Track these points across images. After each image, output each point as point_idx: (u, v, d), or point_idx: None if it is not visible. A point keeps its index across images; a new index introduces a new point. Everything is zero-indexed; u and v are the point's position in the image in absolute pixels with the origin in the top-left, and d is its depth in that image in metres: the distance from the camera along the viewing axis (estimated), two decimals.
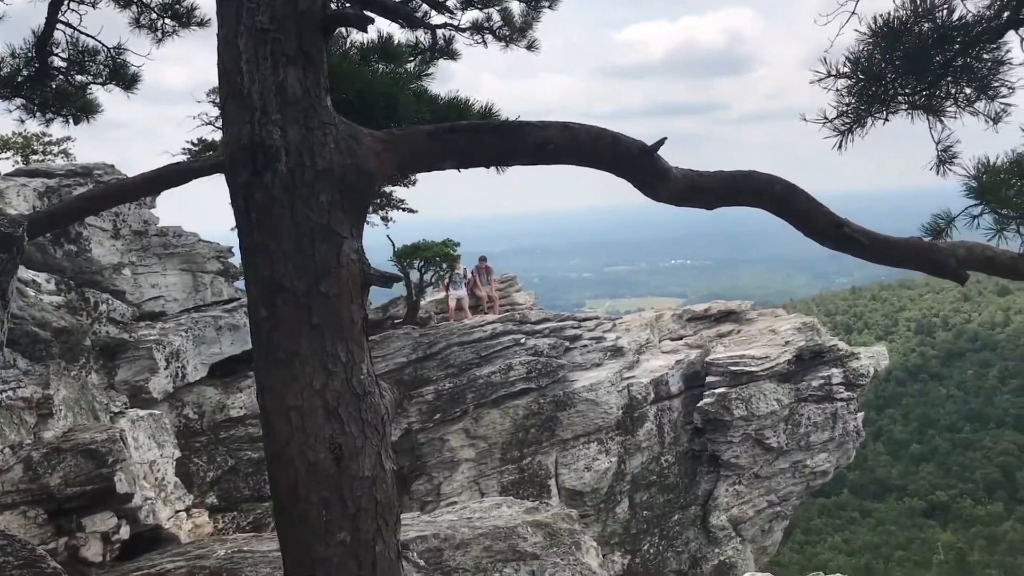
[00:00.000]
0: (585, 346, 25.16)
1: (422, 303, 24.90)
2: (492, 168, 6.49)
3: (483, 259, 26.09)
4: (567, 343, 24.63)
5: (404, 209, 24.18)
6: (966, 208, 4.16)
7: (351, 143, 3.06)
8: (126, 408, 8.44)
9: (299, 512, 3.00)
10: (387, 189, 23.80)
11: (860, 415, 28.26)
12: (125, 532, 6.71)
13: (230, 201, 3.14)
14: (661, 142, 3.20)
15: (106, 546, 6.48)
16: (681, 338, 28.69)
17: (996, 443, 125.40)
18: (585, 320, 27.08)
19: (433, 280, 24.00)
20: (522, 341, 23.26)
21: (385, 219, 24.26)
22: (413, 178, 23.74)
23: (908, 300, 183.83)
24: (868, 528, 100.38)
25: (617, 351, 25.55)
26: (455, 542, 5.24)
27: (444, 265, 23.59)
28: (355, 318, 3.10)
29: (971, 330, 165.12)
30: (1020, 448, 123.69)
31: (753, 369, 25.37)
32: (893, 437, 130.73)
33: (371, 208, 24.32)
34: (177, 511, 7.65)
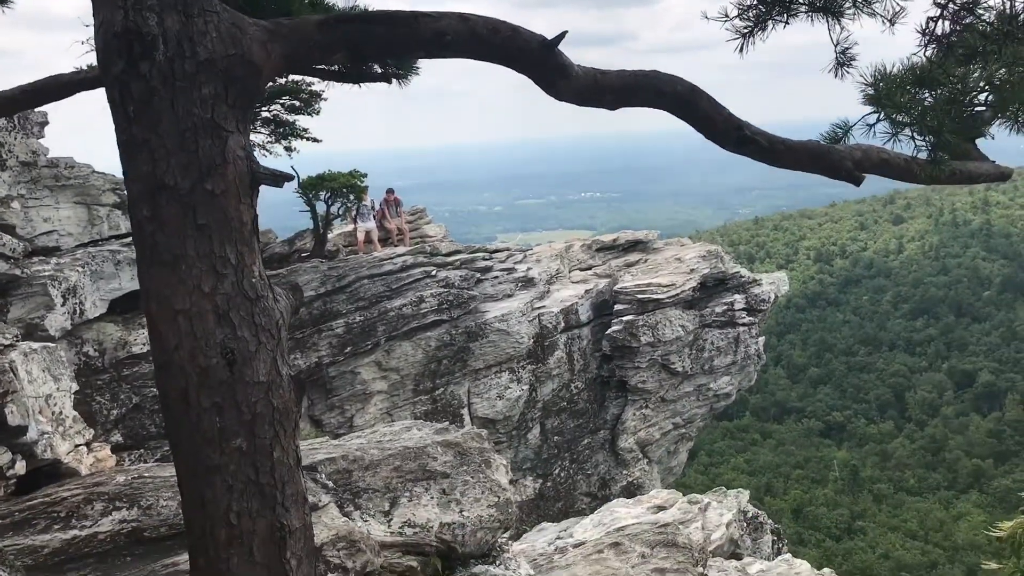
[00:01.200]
0: (496, 277, 25.16)
1: (330, 236, 24.44)
2: (396, 86, 6.25)
3: (391, 191, 25.69)
4: (478, 275, 24.58)
5: (308, 138, 23.51)
6: (863, 116, 4.21)
7: (235, 32, 2.88)
8: (17, 341, 8.03)
9: (191, 419, 2.88)
10: (290, 118, 23.10)
11: (761, 339, 29.21)
12: (21, 467, 6.45)
13: (106, 95, 2.94)
14: (562, 36, 3.11)
15: (1, 481, 6.22)
16: (590, 268, 28.98)
17: (888, 365, 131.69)
18: (496, 251, 27.04)
19: (340, 212, 23.53)
20: (433, 273, 23.11)
21: (289, 149, 23.55)
22: (317, 106, 23.08)
23: (808, 230, 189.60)
24: (769, 449, 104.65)
25: (528, 282, 25.64)
26: (364, 463, 5.19)
27: (351, 196, 23.13)
28: (244, 218, 2.95)
29: (867, 258, 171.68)
30: (910, 370, 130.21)
31: (659, 297, 25.84)
32: (792, 361, 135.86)
33: (274, 138, 23.61)
34: (77, 445, 7.38)
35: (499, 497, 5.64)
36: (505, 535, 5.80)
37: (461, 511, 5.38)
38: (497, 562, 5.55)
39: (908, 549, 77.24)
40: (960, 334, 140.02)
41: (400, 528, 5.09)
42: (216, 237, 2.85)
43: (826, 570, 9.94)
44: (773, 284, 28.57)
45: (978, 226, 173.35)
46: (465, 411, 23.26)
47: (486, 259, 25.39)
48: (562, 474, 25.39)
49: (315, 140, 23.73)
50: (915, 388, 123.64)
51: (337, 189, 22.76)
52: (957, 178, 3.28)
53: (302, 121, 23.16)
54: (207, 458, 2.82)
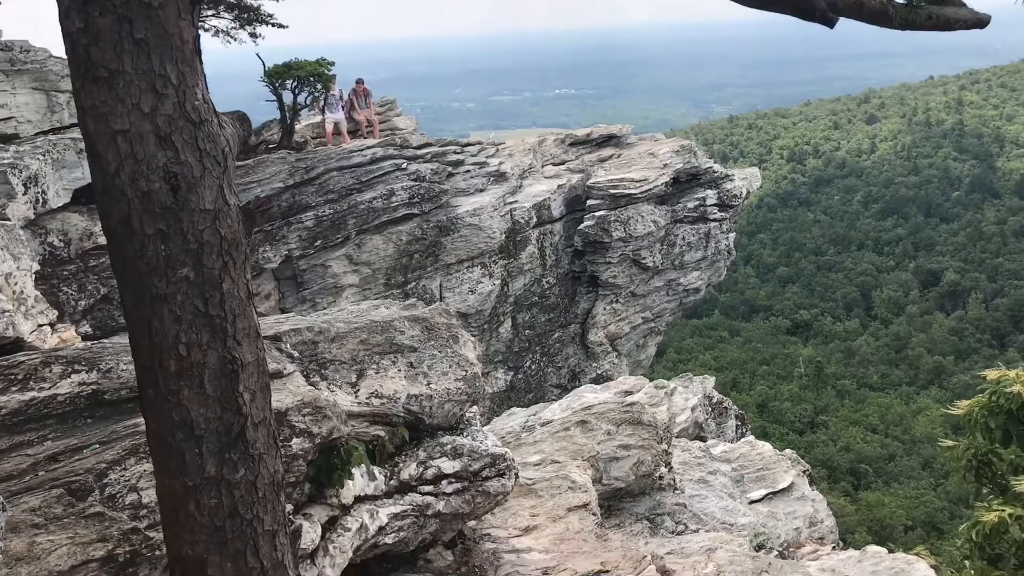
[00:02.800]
0: (468, 171, 24.90)
1: (297, 127, 23.97)
2: None
3: (360, 82, 25.11)
4: (450, 168, 24.31)
5: (273, 24, 22.79)
6: None
7: None
8: None
9: (135, 246, 2.79)
10: (254, 2, 22.31)
11: (732, 235, 29.33)
12: None
13: None
14: None
15: None
16: (563, 163, 28.72)
17: (856, 264, 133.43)
18: (468, 145, 26.68)
19: (307, 102, 23.02)
20: (404, 166, 22.81)
21: (254, 35, 22.85)
22: None
23: (782, 129, 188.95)
24: (736, 346, 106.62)
25: (500, 176, 25.41)
26: (330, 335, 5.17)
27: (318, 86, 22.59)
28: (185, 36, 2.80)
29: (839, 157, 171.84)
30: (877, 269, 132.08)
31: (632, 192, 25.74)
32: (762, 261, 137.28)
33: (238, 24, 22.84)
34: (40, 325, 7.31)
35: (466, 371, 5.67)
36: (473, 408, 5.86)
37: (428, 384, 5.41)
38: (465, 433, 5.63)
39: (868, 442, 79.75)
40: (928, 234, 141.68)
41: (367, 399, 5.11)
42: (155, 54, 2.70)
43: (788, 451, 10.23)
44: (745, 179, 28.53)
45: (951, 126, 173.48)
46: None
47: (458, 153, 25.07)
48: (533, 367, 25.73)
49: (280, 26, 23.02)
50: (882, 287, 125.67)
51: (304, 78, 22.21)
52: (933, 23, 3.18)
53: (267, 6, 22.42)
54: (153, 287, 2.74)
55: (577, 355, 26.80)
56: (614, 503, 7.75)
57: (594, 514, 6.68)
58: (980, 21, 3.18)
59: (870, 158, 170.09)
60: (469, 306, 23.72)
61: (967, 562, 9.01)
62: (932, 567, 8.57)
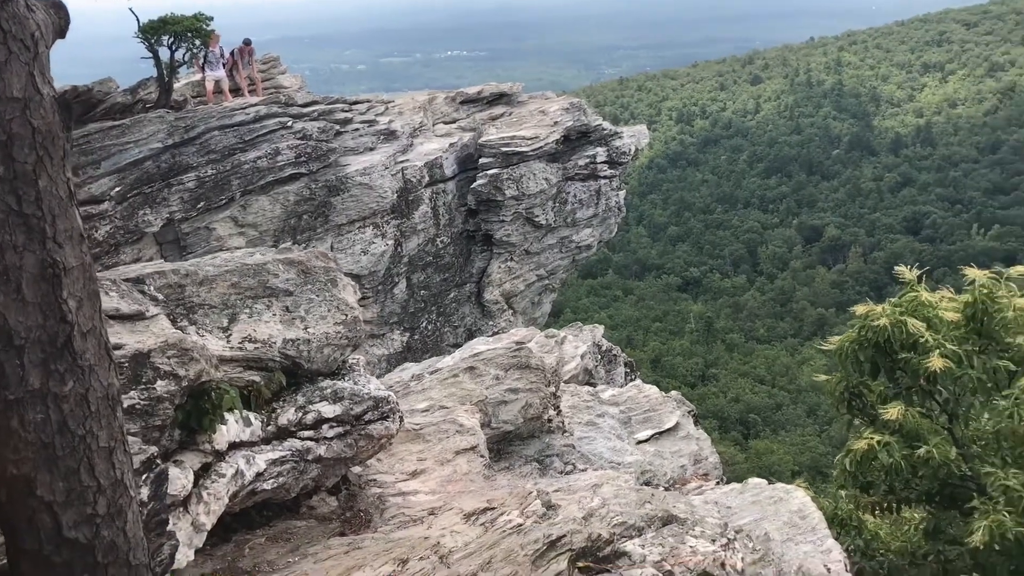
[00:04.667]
0: (357, 130, 24.45)
1: (176, 85, 23.01)
2: None
3: (247, 42, 24.31)
4: (338, 127, 23.83)
5: None
6: None
7: None
8: None
9: None
10: None
11: (622, 192, 29.72)
12: None
13: None
14: None
15: None
16: (454, 121, 28.51)
17: (743, 222, 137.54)
18: (356, 103, 26.19)
19: (185, 58, 22.11)
20: (289, 124, 22.23)
21: None
22: None
23: (671, 90, 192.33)
24: (630, 304, 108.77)
25: (390, 134, 25.04)
26: (198, 279, 4.97)
27: (197, 42, 21.70)
28: None
29: (726, 118, 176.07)
30: (763, 226, 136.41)
31: (524, 149, 25.77)
32: (653, 221, 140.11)
33: None
34: None
35: (346, 315, 5.56)
36: (354, 353, 5.77)
37: (306, 328, 5.28)
38: (346, 378, 5.53)
39: (756, 393, 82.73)
40: (810, 191, 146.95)
41: (240, 343, 4.95)
42: None
43: (673, 392, 10.49)
44: (634, 137, 28.90)
45: (831, 86, 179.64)
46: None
47: (346, 111, 24.58)
48: (429, 327, 25.64)
49: None
50: (767, 243, 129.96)
51: (181, 33, 21.29)
52: None
53: None
54: None
55: (473, 314, 26.84)
56: (503, 446, 7.80)
57: (482, 456, 6.70)
58: None
59: (755, 118, 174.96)
60: (362, 267, 23.39)
61: (842, 492, 9.45)
62: (811, 499, 8.94)
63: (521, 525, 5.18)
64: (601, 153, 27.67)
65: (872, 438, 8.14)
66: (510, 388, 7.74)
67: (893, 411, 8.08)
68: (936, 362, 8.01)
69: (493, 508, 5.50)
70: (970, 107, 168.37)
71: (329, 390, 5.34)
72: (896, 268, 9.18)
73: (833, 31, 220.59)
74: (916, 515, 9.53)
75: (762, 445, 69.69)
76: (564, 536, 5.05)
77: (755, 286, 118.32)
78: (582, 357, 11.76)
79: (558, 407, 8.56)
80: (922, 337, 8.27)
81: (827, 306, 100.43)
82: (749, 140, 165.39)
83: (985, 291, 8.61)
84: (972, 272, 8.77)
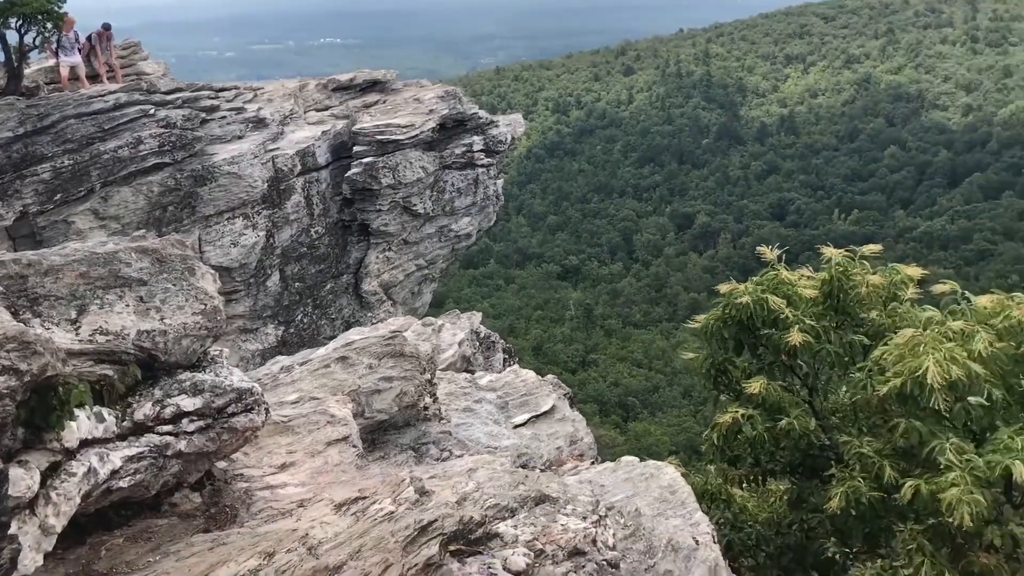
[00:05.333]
0: (224, 117, 23.67)
1: (27, 71, 21.75)
2: None
3: (106, 27, 23.17)
4: (204, 115, 23.00)
5: None
6: None
7: None
8: None
9: None
10: None
11: (500, 181, 29.83)
12: None
13: None
14: None
15: None
16: (327, 109, 27.96)
17: (619, 211, 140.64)
18: (223, 90, 25.33)
19: (37, 42, 20.92)
20: (151, 112, 21.33)
21: None
22: None
23: (547, 80, 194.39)
24: (512, 293, 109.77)
25: (259, 122, 24.35)
26: (42, 269, 4.68)
27: (48, 25, 20.54)
28: None
29: (600, 108, 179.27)
30: (637, 214, 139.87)
31: (399, 137, 25.50)
32: (533, 210, 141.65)
33: None
34: None
35: (206, 305, 5.35)
36: (215, 344, 5.56)
37: (162, 319, 5.05)
38: (207, 370, 5.33)
39: (635, 376, 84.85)
40: (682, 180, 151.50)
41: (91, 336, 4.69)
42: None
43: (550, 376, 10.61)
44: (510, 125, 29.03)
45: (700, 77, 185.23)
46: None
47: (212, 98, 23.74)
48: (305, 320, 25.13)
49: None
50: (642, 231, 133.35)
51: (30, 15, 20.10)
52: None
53: None
54: None
55: (351, 306, 26.43)
56: (378, 436, 7.70)
57: (354, 447, 6.59)
58: None
59: (628, 108, 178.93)
60: (232, 259, 22.69)
61: (712, 467, 9.77)
62: (681, 474, 9.20)
63: (393, 513, 5.11)
64: (478, 142, 27.66)
65: (736, 412, 8.44)
66: (384, 377, 7.64)
67: (756, 385, 8.38)
68: (795, 337, 8.35)
69: (365, 497, 5.41)
70: (830, 97, 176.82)
71: (188, 383, 5.13)
72: (758, 248, 9.52)
73: (701, 23, 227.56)
74: (781, 486, 9.93)
75: (641, 427, 71.52)
76: (436, 521, 5.02)
77: (631, 273, 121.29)
78: (459, 344, 11.75)
79: (434, 395, 8.52)
80: (782, 314, 8.61)
81: (699, 291, 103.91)
82: (623, 130, 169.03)
83: (840, 269, 9.02)
84: (828, 251, 9.18)
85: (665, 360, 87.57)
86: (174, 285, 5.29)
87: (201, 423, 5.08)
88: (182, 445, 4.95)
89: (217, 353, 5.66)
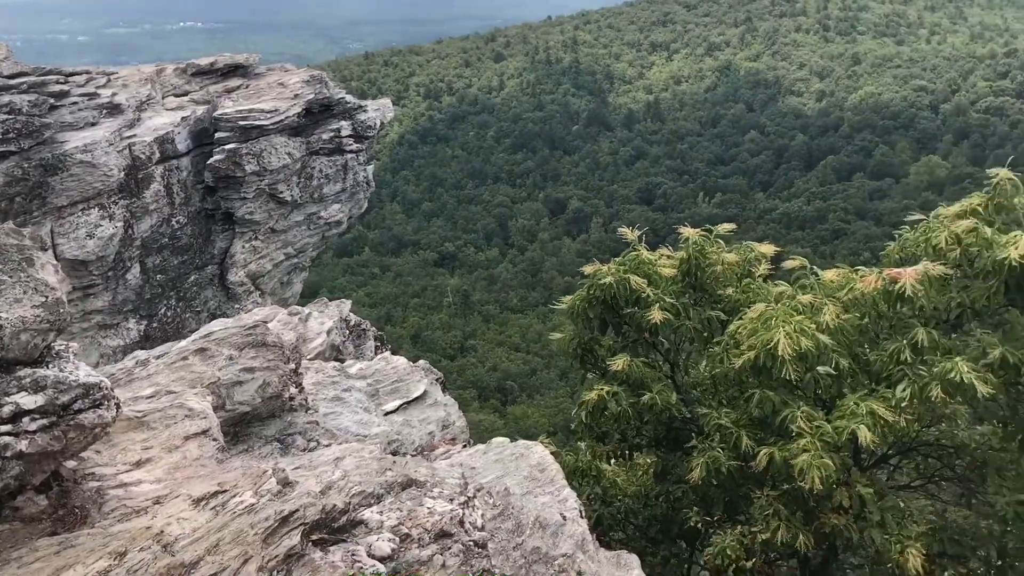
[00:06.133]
0: (75, 103, 22.43)
1: None
2: None
3: None
4: (52, 100, 21.72)
5: None
6: None
7: None
8: None
9: None
10: None
11: (370, 167, 29.42)
12: None
13: None
14: None
15: None
16: (186, 94, 26.90)
17: (493, 197, 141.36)
18: (73, 74, 24.02)
19: None
20: None
21: None
22: None
23: (417, 66, 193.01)
24: (388, 281, 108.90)
25: (114, 108, 23.18)
26: None
27: None
28: None
29: (472, 94, 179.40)
30: (512, 200, 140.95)
31: (263, 123, 24.80)
32: (407, 197, 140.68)
33: None
34: None
35: (47, 297, 5.06)
36: (58, 338, 5.28)
37: None
38: (51, 365, 5.06)
39: (513, 360, 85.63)
40: (554, 166, 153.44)
41: None
42: None
43: (421, 361, 10.57)
44: (379, 110, 28.64)
45: (568, 64, 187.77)
46: (49, 253, 21.00)
47: (61, 83, 22.46)
48: (168, 313, 24.20)
49: None
50: (516, 217, 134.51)
51: None
52: None
53: None
54: None
55: (217, 297, 25.61)
56: (241, 428, 7.50)
57: (215, 440, 6.38)
58: None
59: (500, 95, 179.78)
60: (88, 253, 21.58)
61: (582, 444, 9.98)
62: (552, 453, 9.36)
63: (254, 505, 4.99)
64: (346, 127, 27.19)
65: (602, 389, 8.64)
66: (245, 368, 7.43)
67: (619, 363, 8.61)
68: (656, 315, 8.61)
69: (225, 491, 5.26)
70: (693, 84, 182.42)
71: (29, 379, 4.85)
72: (620, 229, 9.74)
73: (569, 10, 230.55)
74: (648, 460, 10.24)
75: (519, 410, 72.26)
76: (297, 511, 4.93)
77: (507, 258, 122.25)
78: (328, 333, 11.57)
79: (300, 384, 8.34)
80: (644, 293, 8.86)
81: (573, 275, 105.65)
82: (495, 116, 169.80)
83: (697, 248, 9.35)
84: (686, 231, 9.49)
85: (542, 343, 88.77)
86: (10, 277, 4.99)
87: (44, 421, 4.81)
88: (23, 445, 4.68)
89: (63, 348, 5.38)
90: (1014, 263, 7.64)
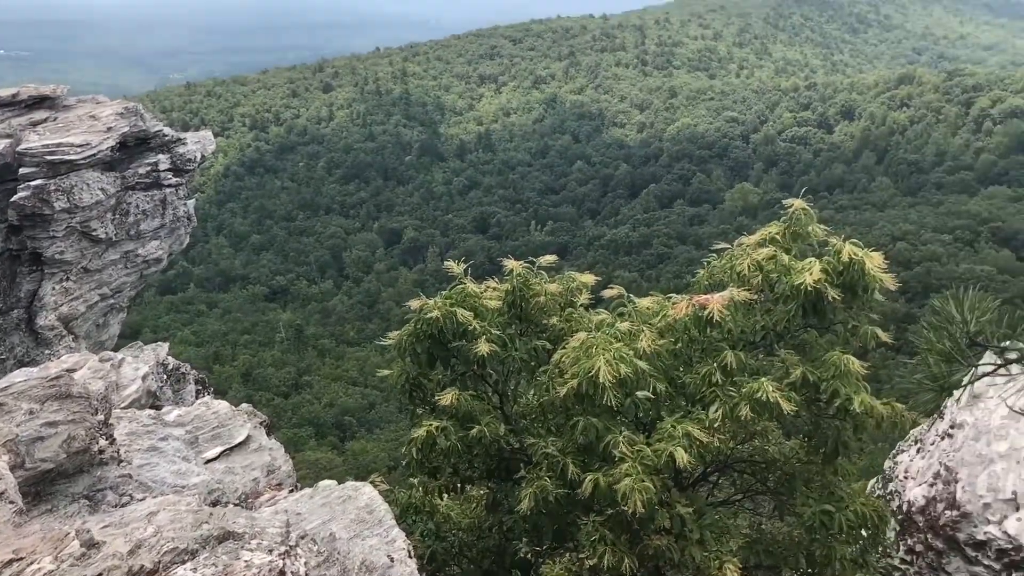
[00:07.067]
0: None
1: None
2: None
3: None
4: None
5: None
6: None
7: None
8: None
9: None
10: None
11: (191, 201, 28.36)
12: None
13: None
14: None
15: None
16: None
17: (326, 228, 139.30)
18: None
19: None
20: None
21: None
22: None
23: (242, 96, 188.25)
24: (215, 318, 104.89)
25: None
26: None
27: None
28: None
29: (301, 124, 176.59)
30: (345, 231, 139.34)
31: (74, 158, 23.48)
32: (235, 230, 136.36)
33: None
34: None
35: None
36: None
37: None
38: None
39: (350, 395, 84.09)
40: (388, 196, 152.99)
41: None
42: None
43: (244, 405, 10.21)
44: (199, 143, 27.69)
45: (399, 95, 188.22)
46: None
47: None
48: None
49: None
50: (351, 248, 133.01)
51: None
52: None
53: None
54: None
55: (25, 344, 23.89)
56: (44, 487, 6.98)
57: (12, 502, 5.92)
58: None
59: (329, 125, 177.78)
60: None
61: (413, 480, 9.90)
62: (384, 491, 9.24)
63: (52, 572, 4.66)
64: (164, 160, 26.11)
65: (431, 425, 8.64)
66: (47, 422, 6.94)
67: (448, 397, 8.64)
68: (483, 348, 8.70)
69: (21, 558, 4.89)
70: (521, 116, 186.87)
71: None
72: (445, 264, 9.81)
73: (397, 42, 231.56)
74: (481, 492, 10.28)
75: (358, 446, 71.02)
76: (100, 575, 4.64)
77: (343, 290, 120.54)
78: (143, 379, 10.99)
79: (111, 436, 7.87)
80: (470, 325, 8.93)
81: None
82: (326, 147, 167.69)
83: (521, 279, 9.52)
84: (510, 263, 9.66)
85: (380, 376, 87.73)
86: None
87: None
88: None
89: None
90: (809, 288, 8.23)
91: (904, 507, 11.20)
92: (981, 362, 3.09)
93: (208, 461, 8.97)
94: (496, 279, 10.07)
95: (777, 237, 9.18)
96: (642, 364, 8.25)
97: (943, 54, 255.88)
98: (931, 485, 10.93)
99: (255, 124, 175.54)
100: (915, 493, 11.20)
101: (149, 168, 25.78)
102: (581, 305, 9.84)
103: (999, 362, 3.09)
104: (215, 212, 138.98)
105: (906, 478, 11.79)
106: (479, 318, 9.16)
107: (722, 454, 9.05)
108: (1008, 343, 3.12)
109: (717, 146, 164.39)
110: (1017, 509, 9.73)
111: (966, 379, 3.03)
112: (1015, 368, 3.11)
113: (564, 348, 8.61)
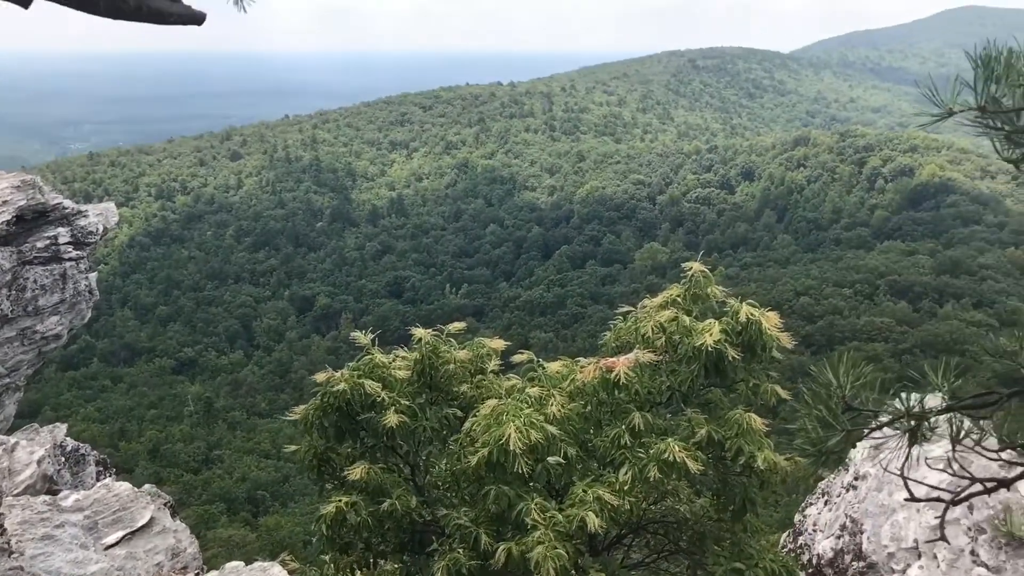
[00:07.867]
0: None
1: None
2: None
3: None
4: None
5: None
6: None
7: None
8: None
9: None
10: None
11: (93, 275, 27.56)
12: None
13: None
14: None
15: None
16: None
17: (235, 297, 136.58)
18: None
19: None
20: None
21: None
22: None
23: (148, 166, 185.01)
24: (120, 393, 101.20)
25: None
26: None
27: None
28: None
29: (208, 193, 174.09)
30: (255, 299, 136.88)
31: None
32: (140, 301, 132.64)
33: None
34: None
35: None
36: None
37: None
38: None
39: (263, 468, 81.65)
40: (299, 263, 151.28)
41: None
42: None
43: (147, 486, 9.87)
44: (101, 215, 27.00)
45: (309, 162, 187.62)
46: None
47: None
48: None
49: None
50: (261, 317, 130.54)
51: None
52: (143, 14, 3.11)
53: None
54: None
55: None
56: None
57: None
58: (195, 18, 3.21)
59: (238, 193, 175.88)
60: None
61: (325, 557, 9.67)
62: (295, 570, 9.00)
63: None
64: (64, 233, 25.35)
65: (340, 500, 8.48)
66: None
67: (357, 471, 8.51)
68: (392, 419, 8.63)
69: None
70: (434, 180, 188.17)
71: None
72: (352, 334, 9.76)
73: (306, 109, 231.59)
74: (395, 566, 10.08)
75: (272, 521, 68.76)
76: None
77: (253, 360, 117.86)
78: (39, 463, 10.51)
79: (1, 526, 7.52)
80: (379, 397, 8.86)
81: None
82: (234, 215, 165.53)
83: (430, 348, 9.52)
84: (417, 332, 9.66)
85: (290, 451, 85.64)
86: None
87: None
88: None
89: None
90: (709, 348, 8.46)
91: (814, 560, 11.42)
92: (855, 427, 3.25)
93: (109, 547, 8.63)
94: (405, 347, 10.04)
95: (678, 299, 9.44)
96: (552, 429, 8.30)
97: (835, 116, 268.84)
98: (838, 537, 11.20)
99: (161, 193, 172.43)
100: (824, 546, 11.45)
101: (48, 242, 25.01)
102: (491, 371, 9.87)
103: (872, 426, 3.25)
104: (120, 284, 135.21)
105: (815, 531, 12.05)
106: (388, 388, 9.10)
107: (634, 516, 9.11)
108: (884, 406, 3.29)
109: (625, 207, 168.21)
110: (919, 557, 10.04)
111: (836, 444, 3.18)
112: (887, 431, 3.28)
113: (475, 416, 8.61)
